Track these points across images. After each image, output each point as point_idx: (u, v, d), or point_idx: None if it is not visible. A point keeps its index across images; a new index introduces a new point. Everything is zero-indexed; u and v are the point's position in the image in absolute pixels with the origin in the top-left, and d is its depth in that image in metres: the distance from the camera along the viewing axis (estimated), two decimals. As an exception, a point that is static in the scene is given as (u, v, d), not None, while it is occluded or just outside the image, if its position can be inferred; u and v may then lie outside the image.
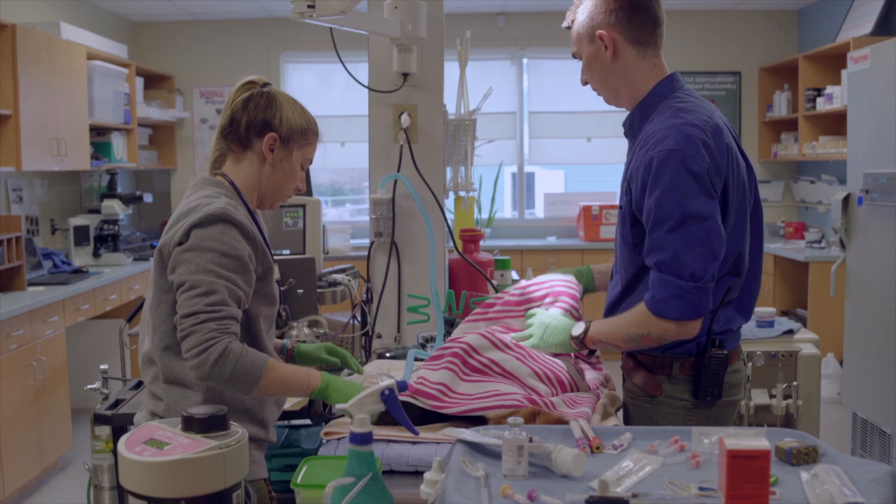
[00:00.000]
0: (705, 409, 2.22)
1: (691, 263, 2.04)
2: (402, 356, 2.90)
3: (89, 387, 3.00)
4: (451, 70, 3.47)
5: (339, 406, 1.88)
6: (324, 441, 2.16)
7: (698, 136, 2.07)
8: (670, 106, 2.18)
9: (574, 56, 2.35)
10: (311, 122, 2.23)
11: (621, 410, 2.41)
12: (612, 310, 2.33)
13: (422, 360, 2.61)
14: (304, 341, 2.60)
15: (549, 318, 2.41)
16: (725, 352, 2.20)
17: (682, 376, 2.22)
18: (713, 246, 2.06)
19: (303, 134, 2.20)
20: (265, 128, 2.15)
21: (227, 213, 1.99)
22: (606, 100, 2.36)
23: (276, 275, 2.24)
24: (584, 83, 2.36)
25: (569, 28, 2.33)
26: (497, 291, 3.40)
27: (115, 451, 2.72)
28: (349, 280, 3.33)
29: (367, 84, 3.29)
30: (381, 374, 2.54)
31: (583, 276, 2.69)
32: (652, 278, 2.10)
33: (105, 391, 2.96)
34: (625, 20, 2.21)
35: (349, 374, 2.44)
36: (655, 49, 2.25)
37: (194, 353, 1.88)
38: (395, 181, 3.25)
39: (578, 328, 2.31)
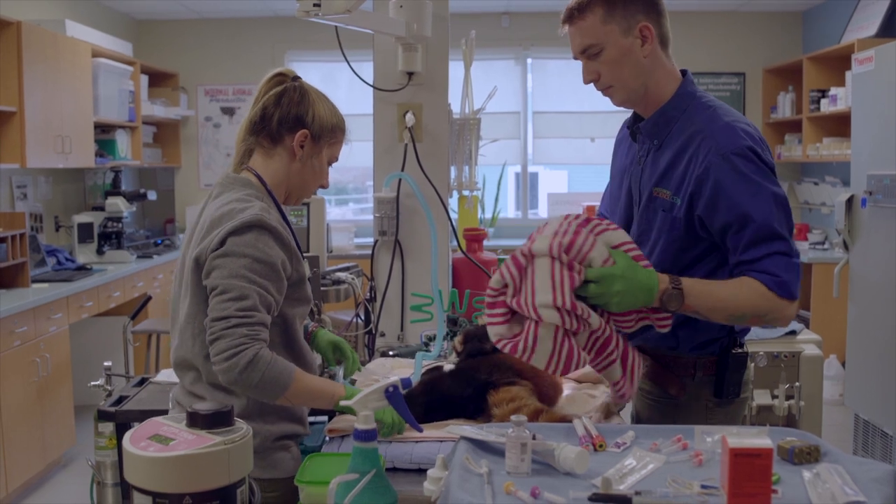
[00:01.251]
0: (724, 408, 2.23)
1: (792, 244, 2.05)
2: (406, 355, 2.90)
3: (93, 383, 3.01)
4: (455, 69, 3.48)
5: (343, 403, 1.88)
6: (327, 438, 2.17)
7: (756, 134, 2.09)
8: (707, 108, 2.15)
9: (584, 51, 2.14)
10: (341, 119, 2.23)
11: (624, 410, 2.41)
12: None
13: (430, 361, 2.62)
14: (324, 327, 2.59)
15: (617, 270, 2.00)
16: (747, 351, 2.23)
17: (705, 377, 2.22)
18: (793, 227, 2.07)
19: (332, 131, 2.20)
20: (297, 124, 2.14)
21: (262, 219, 1.99)
22: (623, 98, 2.20)
23: (307, 272, 2.24)
24: (590, 81, 2.18)
25: (571, 21, 2.14)
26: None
27: (118, 448, 2.73)
28: (353, 279, 3.35)
29: (372, 83, 3.30)
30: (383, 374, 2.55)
31: None
32: (771, 265, 2.01)
33: (108, 388, 2.97)
34: (656, 17, 2.14)
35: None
36: (669, 50, 2.22)
37: (223, 357, 1.88)
38: (400, 180, 3.26)
39: (665, 279, 2.03)
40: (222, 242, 1.98)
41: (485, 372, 2.27)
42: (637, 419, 2.41)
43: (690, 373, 2.22)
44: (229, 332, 1.89)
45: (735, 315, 2.05)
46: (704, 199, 2.06)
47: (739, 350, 2.21)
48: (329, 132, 2.19)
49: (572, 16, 2.13)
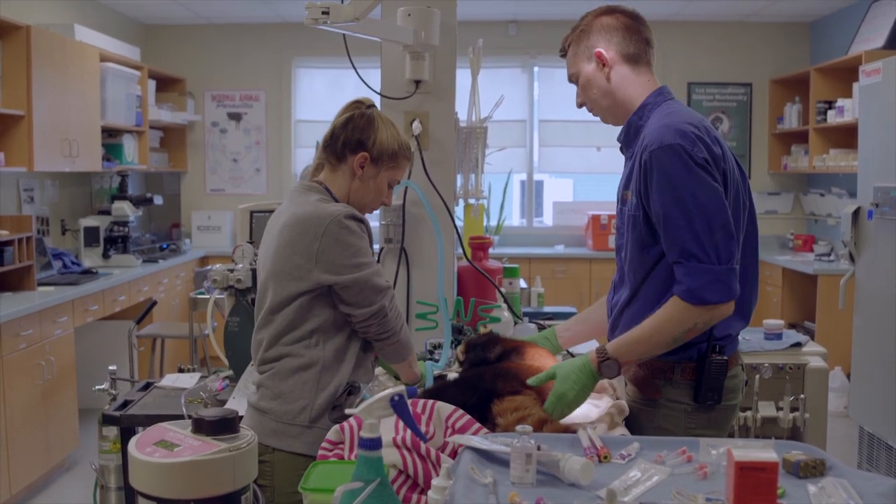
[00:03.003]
0: (705, 413, 2.26)
1: (717, 248, 2.11)
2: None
3: (97, 387, 3.01)
4: (462, 78, 3.48)
5: (347, 410, 1.89)
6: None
7: (692, 131, 2.14)
8: (661, 111, 2.27)
9: (570, 79, 2.44)
10: (404, 146, 2.45)
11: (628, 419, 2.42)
12: (619, 315, 2.36)
13: (438, 371, 2.63)
14: None
15: (557, 368, 2.24)
16: (725, 357, 2.25)
17: (683, 381, 2.26)
18: (730, 229, 2.13)
19: (392, 156, 2.41)
20: (359, 146, 2.38)
21: (352, 213, 2.30)
22: (604, 119, 2.44)
23: None
24: (581, 105, 2.45)
25: (564, 55, 2.44)
26: (505, 300, 3.41)
27: (122, 452, 2.73)
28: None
29: (379, 91, 3.30)
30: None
31: (547, 341, 2.68)
32: (680, 272, 2.13)
33: (113, 392, 2.97)
34: (619, 40, 2.32)
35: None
36: (648, 67, 2.36)
37: (398, 324, 2.38)
38: (406, 188, 3.26)
39: (594, 357, 2.21)
40: (325, 231, 2.25)
41: (489, 381, 2.26)
42: (626, 423, 2.42)
43: (668, 376, 2.27)
44: (392, 305, 2.37)
45: (672, 340, 2.17)
46: (643, 197, 2.20)
47: (718, 357, 2.23)
48: (389, 157, 2.41)
49: (562, 49, 2.45)
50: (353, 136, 2.38)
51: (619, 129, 2.43)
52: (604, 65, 2.32)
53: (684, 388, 2.26)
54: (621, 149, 2.44)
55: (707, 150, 2.13)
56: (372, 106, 2.44)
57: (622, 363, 2.20)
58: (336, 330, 2.31)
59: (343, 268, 2.25)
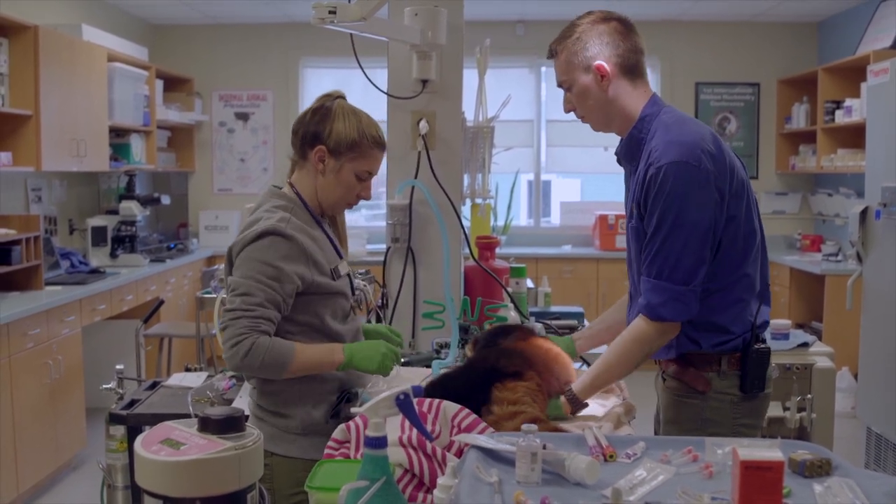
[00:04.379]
0: (749, 403, 2.31)
1: (685, 271, 2.17)
2: (417, 362, 2.90)
3: (104, 386, 3.01)
4: (469, 77, 3.48)
5: (353, 409, 1.89)
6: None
7: (698, 145, 2.17)
8: (663, 123, 2.28)
9: (561, 85, 2.40)
10: (367, 135, 2.33)
11: (638, 413, 2.43)
12: None
13: (446, 369, 2.62)
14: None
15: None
16: (768, 345, 2.32)
17: (730, 371, 2.30)
18: (704, 254, 2.18)
19: (352, 146, 2.31)
20: (315, 140, 2.31)
21: (276, 228, 2.22)
22: (595, 127, 2.44)
23: (345, 268, 2.44)
24: (569, 111, 2.44)
25: (551, 57, 2.41)
26: (512, 300, 3.41)
27: (129, 451, 2.74)
28: (365, 285, 3.34)
29: (386, 90, 3.30)
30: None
31: (567, 348, 2.68)
32: (646, 286, 2.21)
33: (120, 391, 2.98)
34: (617, 51, 2.31)
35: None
36: (643, 76, 2.37)
37: (228, 345, 2.17)
38: (413, 187, 3.26)
39: (564, 402, 2.31)
40: (241, 249, 2.23)
41: (492, 359, 2.26)
42: (661, 418, 2.45)
43: (715, 368, 2.30)
44: (233, 323, 2.17)
45: (634, 363, 2.27)
46: (643, 208, 2.25)
47: (762, 345, 2.30)
48: (347, 147, 2.31)
49: (550, 54, 2.41)
50: (309, 130, 2.32)
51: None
52: (602, 77, 2.30)
53: (732, 378, 2.30)
54: (619, 161, 2.46)
55: (714, 163, 2.17)
56: (339, 98, 2.37)
57: (584, 399, 2.30)
58: (302, 337, 2.30)
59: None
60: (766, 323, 2.37)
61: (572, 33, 2.34)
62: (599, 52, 2.30)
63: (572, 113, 2.45)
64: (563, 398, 2.30)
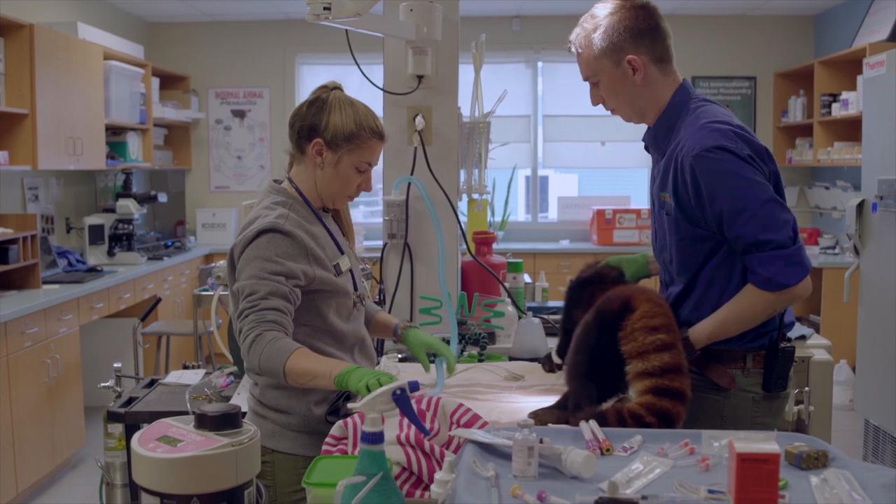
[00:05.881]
0: (769, 402, 2.29)
1: (781, 234, 2.12)
2: (414, 358, 2.89)
3: (103, 385, 3.02)
4: (465, 73, 3.48)
5: (350, 405, 1.89)
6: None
7: (731, 129, 2.15)
8: (694, 112, 2.25)
9: (588, 79, 2.35)
10: (365, 126, 2.28)
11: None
12: (674, 308, 2.27)
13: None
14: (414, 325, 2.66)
15: None
16: (793, 344, 2.31)
17: (755, 369, 2.27)
18: (787, 216, 2.14)
19: (350, 138, 2.27)
20: (312, 133, 2.27)
21: (275, 225, 2.19)
22: (628, 118, 2.39)
23: (346, 265, 2.38)
24: (597, 104, 2.38)
25: (572, 51, 2.36)
26: (509, 295, 3.41)
27: (127, 449, 2.74)
28: (362, 281, 3.34)
29: (381, 86, 3.30)
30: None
31: (636, 263, 2.62)
32: (754, 262, 2.14)
33: (118, 389, 2.98)
34: (647, 41, 2.26)
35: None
36: (672, 62, 2.32)
37: (243, 348, 2.11)
38: (409, 183, 3.26)
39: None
40: (241, 251, 2.20)
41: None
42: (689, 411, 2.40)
43: (741, 365, 2.27)
44: (242, 323, 2.12)
45: (746, 324, 2.21)
46: (692, 200, 2.18)
47: (787, 344, 2.29)
48: (345, 139, 2.27)
49: (575, 47, 2.35)
50: (305, 124, 2.28)
51: (624, 122, 2.43)
52: (635, 71, 2.25)
53: (755, 376, 2.27)
54: (646, 148, 2.41)
55: (749, 146, 2.14)
56: (335, 89, 2.33)
57: (697, 350, 2.22)
58: (306, 337, 2.26)
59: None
60: (793, 323, 2.36)
61: (595, 26, 2.27)
62: (628, 43, 2.24)
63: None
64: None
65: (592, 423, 1.83)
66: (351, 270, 2.41)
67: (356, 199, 2.52)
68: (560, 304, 3.94)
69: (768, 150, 2.23)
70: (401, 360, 2.81)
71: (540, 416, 2.07)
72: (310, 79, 8.42)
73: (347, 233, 2.53)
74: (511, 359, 2.89)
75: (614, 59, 2.26)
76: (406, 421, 1.86)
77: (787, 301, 2.19)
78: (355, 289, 2.42)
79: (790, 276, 2.13)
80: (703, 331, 2.23)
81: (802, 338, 3.47)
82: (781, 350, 2.26)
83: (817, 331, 6.16)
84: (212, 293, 3.37)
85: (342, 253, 2.38)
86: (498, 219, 8.08)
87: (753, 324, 2.21)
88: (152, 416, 2.72)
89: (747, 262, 2.16)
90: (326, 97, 2.29)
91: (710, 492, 1.47)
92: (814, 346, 3.45)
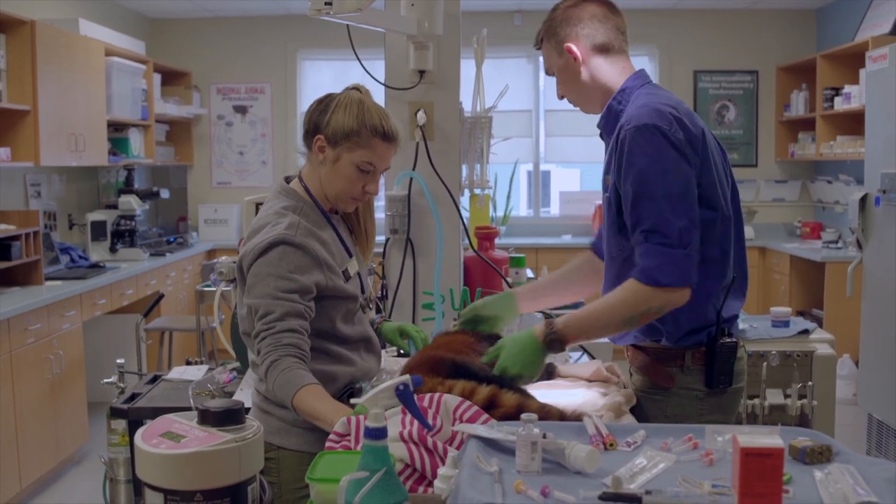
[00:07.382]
0: (716, 398, 2.26)
1: (679, 232, 2.08)
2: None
3: (106, 381, 3.02)
4: (467, 68, 3.48)
5: (353, 401, 1.89)
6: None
7: (669, 111, 2.13)
8: (640, 94, 2.26)
9: (547, 73, 2.43)
10: (367, 124, 2.24)
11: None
12: None
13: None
14: (389, 319, 2.80)
15: (505, 341, 2.27)
16: (735, 340, 2.25)
17: (695, 367, 2.25)
18: (693, 217, 2.10)
19: (349, 135, 2.23)
20: (315, 130, 2.27)
21: (286, 237, 2.16)
22: (583, 108, 2.43)
23: (354, 268, 2.38)
24: (561, 97, 2.44)
25: (538, 48, 2.42)
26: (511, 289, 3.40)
27: (131, 445, 2.74)
28: (368, 283, 3.34)
29: (383, 81, 3.30)
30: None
31: (502, 305, 2.62)
32: (640, 251, 2.11)
33: (121, 385, 2.98)
34: (588, 31, 2.29)
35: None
36: (622, 54, 2.34)
37: (260, 371, 2.12)
38: (411, 178, 3.26)
39: (540, 330, 2.20)
40: (251, 263, 2.17)
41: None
42: (637, 412, 2.41)
43: (680, 363, 2.26)
44: (259, 346, 2.11)
45: (623, 322, 2.16)
46: (619, 174, 2.17)
47: (728, 339, 2.24)
48: (344, 136, 2.24)
49: (536, 43, 2.44)
50: (311, 120, 2.28)
51: None
52: (575, 59, 2.30)
53: (696, 374, 2.26)
54: (601, 135, 2.41)
55: (684, 132, 2.12)
56: (355, 89, 2.30)
57: (568, 341, 2.20)
58: (312, 338, 2.21)
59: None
60: (735, 317, 2.31)
61: (549, 19, 2.36)
62: (569, 33, 2.30)
63: (570, 102, 2.43)
64: (539, 333, 2.18)
65: (596, 418, 1.83)
66: (358, 273, 2.40)
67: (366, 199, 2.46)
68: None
69: (709, 138, 2.21)
70: (399, 356, 2.82)
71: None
72: (311, 74, 8.41)
73: (368, 236, 2.51)
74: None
75: (558, 49, 2.33)
76: (409, 418, 1.85)
77: (660, 304, 2.10)
78: (363, 291, 2.41)
79: (665, 275, 2.07)
80: (571, 321, 2.19)
81: (805, 332, 3.48)
82: (721, 345, 2.23)
83: (820, 325, 6.15)
84: (214, 289, 3.37)
85: (350, 256, 2.36)
86: (500, 214, 8.08)
87: (624, 321, 2.15)
88: (155, 412, 2.71)
89: (635, 252, 2.13)
90: (335, 95, 2.28)
91: (714, 486, 1.47)
92: (817, 341, 3.46)
